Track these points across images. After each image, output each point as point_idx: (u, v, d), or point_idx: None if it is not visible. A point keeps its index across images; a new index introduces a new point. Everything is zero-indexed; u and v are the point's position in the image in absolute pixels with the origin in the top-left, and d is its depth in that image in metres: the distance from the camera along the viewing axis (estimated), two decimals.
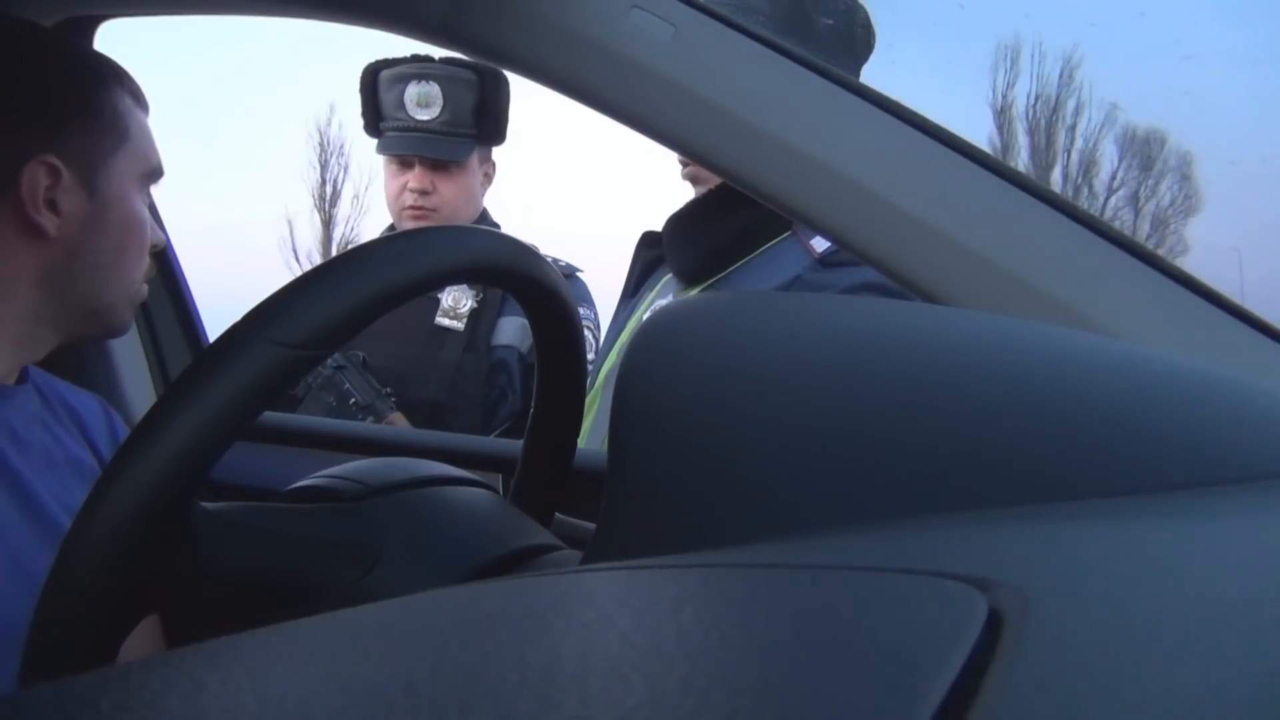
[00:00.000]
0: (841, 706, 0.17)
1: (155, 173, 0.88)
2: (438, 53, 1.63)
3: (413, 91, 1.63)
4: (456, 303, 1.66)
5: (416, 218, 1.66)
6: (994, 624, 0.20)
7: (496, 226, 1.78)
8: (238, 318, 0.46)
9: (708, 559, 0.30)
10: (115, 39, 1.13)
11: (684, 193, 1.28)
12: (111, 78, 0.85)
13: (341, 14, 0.85)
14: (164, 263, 1.28)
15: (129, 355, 1.23)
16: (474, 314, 1.65)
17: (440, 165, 1.66)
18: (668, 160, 1.12)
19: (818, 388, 0.37)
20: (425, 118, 1.64)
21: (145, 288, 0.88)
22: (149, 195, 0.88)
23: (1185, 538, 0.27)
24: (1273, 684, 0.17)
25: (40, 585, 0.44)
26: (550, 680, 0.19)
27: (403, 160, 1.68)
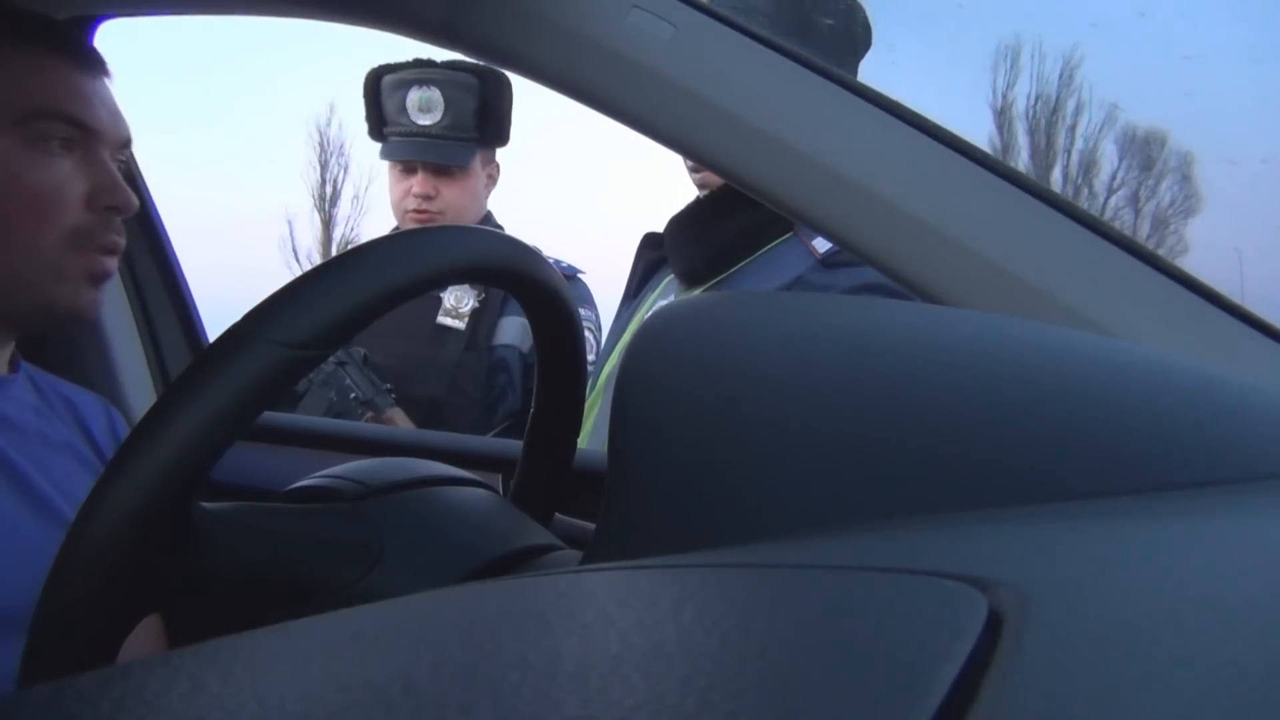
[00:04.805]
0: (842, 706, 0.17)
1: (42, 114, 0.75)
2: (439, 56, 1.64)
3: (414, 97, 1.64)
4: (458, 302, 1.67)
5: (421, 222, 1.67)
6: (994, 624, 0.20)
7: (500, 228, 1.79)
8: (238, 318, 0.46)
9: (708, 559, 0.30)
10: (115, 39, 1.13)
11: (688, 191, 1.29)
12: None
13: (342, 14, 0.85)
14: (164, 262, 1.28)
15: (129, 355, 1.23)
16: (475, 313, 1.66)
17: (443, 170, 1.67)
18: (670, 157, 1.12)
19: (818, 388, 0.37)
20: (427, 123, 1.64)
21: (90, 260, 0.77)
22: (56, 146, 0.76)
23: (1185, 538, 0.27)
24: (1273, 684, 0.17)
25: (38, 568, 0.43)
26: (550, 680, 0.19)
27: (406, 165, 1.69)
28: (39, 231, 0.75)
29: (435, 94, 1.64)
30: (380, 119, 1.69)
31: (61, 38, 0.80)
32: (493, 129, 1.69)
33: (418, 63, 1.66)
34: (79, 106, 0.78)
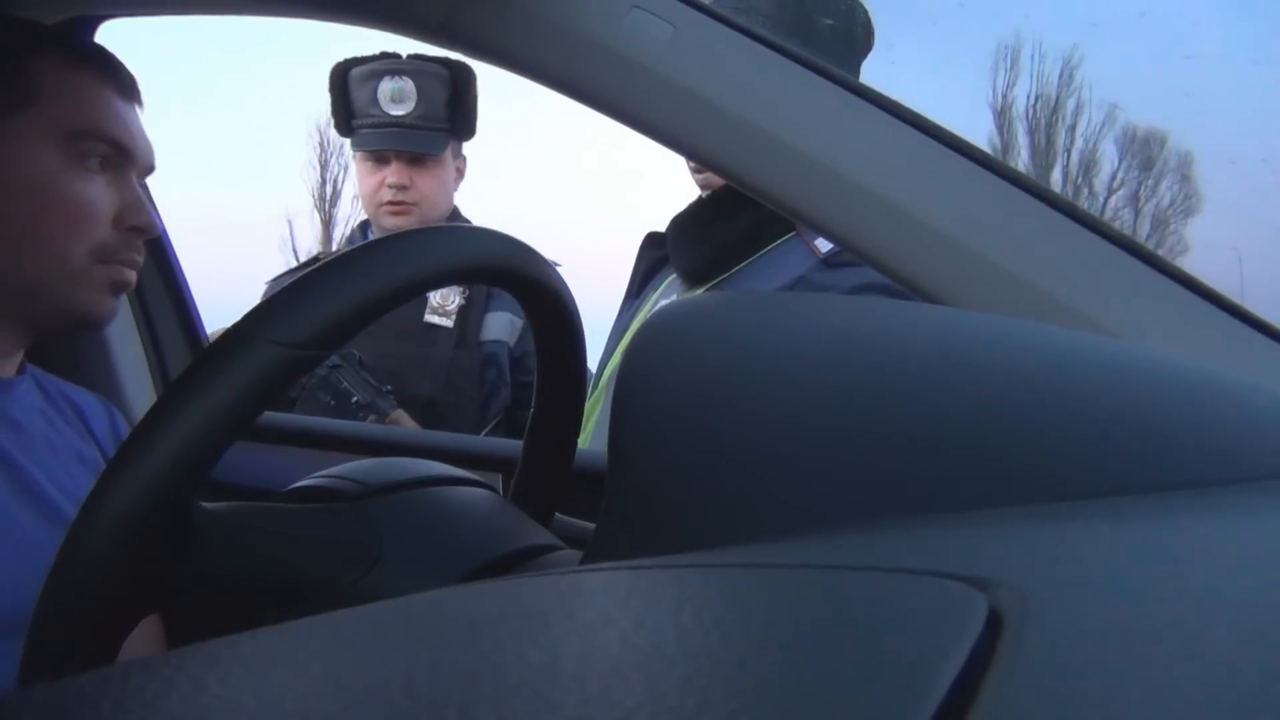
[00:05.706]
0: (841, 706, 0.17)
1: (87, 134, 0.79)
2: (405, 49, 1.63)
3: (386, 87, 1.63)
4: (444, 299, 1.65)
5: (396, 213, 1.66)
6: (994, 624, 0.20)
7: (468, 223, 1.78)
8: (238, 317, 0.46)
9: (708, 559, 0.30)
10: (115, 39, 1.13)
11: (690, 191, 1.29)
12: (19, 37, 0.80)
13: (341, 14, 0.85)
14: (164, 262, 1.28)
15: (129, 355, 1.23)
16: (462, 310, 1.65)
17: (417, 159, 1.66)
18: (671, 157, 1.12)
19: (818, 388, 0.37)
20: (400, 113, 1.63)
21: (114, 270, 0.80)
22: (94, 164, 0.80)
23: (1185, 538, 0.27)
24: (1273, 684, 0.17)
25: (44, 573, 0.44)
26: (550, 680, 0.19)
27: (379, 156, 1.67)
28: (70, 243, 0.78)
29: (408, 84, 1.62)
30: (349, 112, 1.67)
31: (107, 62, 0.84)
32: (463, 119, 1.67)
33: (385, 55, 1.64)
34: (120, 130, 0.82)
